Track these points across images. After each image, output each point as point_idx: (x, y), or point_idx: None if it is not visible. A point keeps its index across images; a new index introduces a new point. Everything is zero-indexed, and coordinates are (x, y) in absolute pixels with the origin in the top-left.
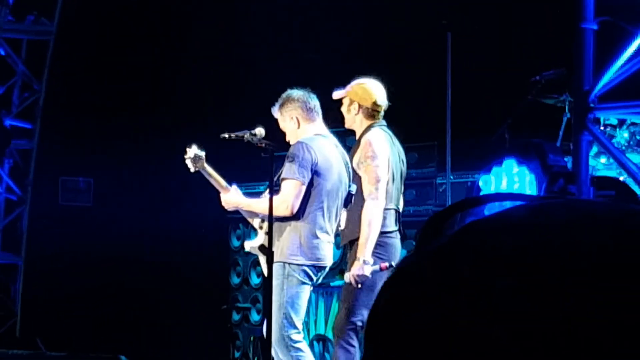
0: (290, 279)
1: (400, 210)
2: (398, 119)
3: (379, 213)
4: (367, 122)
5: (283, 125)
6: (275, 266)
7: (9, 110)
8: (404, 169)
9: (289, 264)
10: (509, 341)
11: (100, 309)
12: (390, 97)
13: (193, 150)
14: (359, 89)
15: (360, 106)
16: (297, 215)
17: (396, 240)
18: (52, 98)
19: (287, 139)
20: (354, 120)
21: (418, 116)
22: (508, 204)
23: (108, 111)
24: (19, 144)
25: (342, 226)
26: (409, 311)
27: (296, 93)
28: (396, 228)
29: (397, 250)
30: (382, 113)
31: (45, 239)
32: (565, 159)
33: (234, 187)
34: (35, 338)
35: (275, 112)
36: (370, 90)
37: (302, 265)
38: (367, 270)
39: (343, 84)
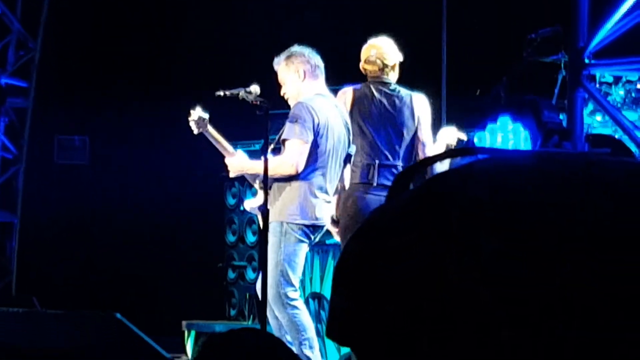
0: (288, 236)
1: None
2: None
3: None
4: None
5: (284, 77)
6: (272, 224)
7: (4, 68)
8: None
9: (287, 222)
10: (496, 305)
11: (96, 267)
12: None
13: (197, 112)
14: None
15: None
16: (296, 175)
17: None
18: (48, 56)
19: (282, 93)
20: None
21: (413, 74)
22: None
23: (104, 69)
24: (14, 102)
25: (347, 185)
26: (385, 263)
27: (305, 49)
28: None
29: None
30: (383, 70)
31: (41, 197)
32: (561, 117)
33: (239, 151)
34: (31, 296)
35: (279, 63)
36: (363, 49)
37: (300, 224)
38: None
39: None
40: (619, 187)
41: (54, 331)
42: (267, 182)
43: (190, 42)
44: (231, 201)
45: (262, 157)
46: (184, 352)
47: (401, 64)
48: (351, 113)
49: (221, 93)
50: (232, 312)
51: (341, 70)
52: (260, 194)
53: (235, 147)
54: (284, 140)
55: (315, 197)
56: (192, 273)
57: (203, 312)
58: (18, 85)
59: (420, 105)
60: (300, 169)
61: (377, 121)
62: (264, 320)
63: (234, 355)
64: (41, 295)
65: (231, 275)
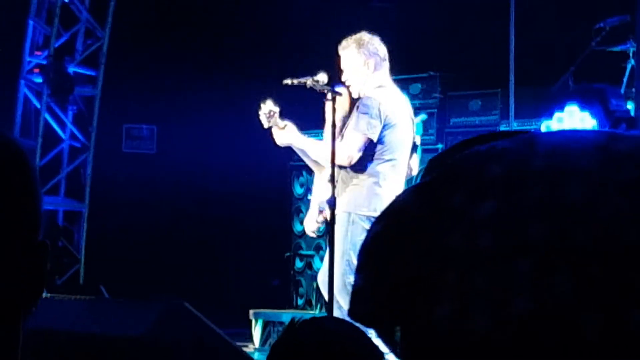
0: (355, 225)
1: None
2: (461, 66)
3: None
4: None
5: (352, 64)
6: (340, 215)
7: (72, 57)
8: None
9: (355, 213)
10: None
11: (163, 256)
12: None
13: (268, 106)
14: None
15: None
16: (364, 169)
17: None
18: (116, 45)
19: (344, 78)
20: None
21: (481, 64)
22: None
23: (172, 58)
24: (82, 90)
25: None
26: (402, 241)
27: (375, 38)
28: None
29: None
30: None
31: (108, 186)
32: (629, 105)
33: (288, 122)
34: (98, 284)
35: (347, 47)
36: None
37: (367, 215)
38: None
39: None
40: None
41: (121, 319)
42: (334, 171)
43: (258, 30)
44: (299, 190)
45: (330, 144)
46: (251, 341)
47: (470, 55)
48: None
49: (289, 81)
50: (300, 302)
51: (405, 62)
52: (328, 186)
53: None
54: (350, 130)
55: (382, 187)
56: (260, 262)
57: (270, 301)
58: (86, 74)
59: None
60: (354, 161)
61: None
62: (331, 309)
63: (316, 341)
64: (109, 284)
65: (299, 264)
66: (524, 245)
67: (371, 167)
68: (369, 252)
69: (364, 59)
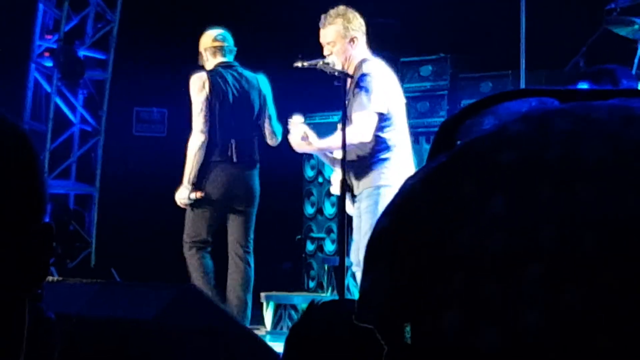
0: (386, 198)
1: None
2: (472, 48)
3: (193, 143)
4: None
5: (336, 39)
6: (368, 190)
7: (82, 40)
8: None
9: (384, 186)
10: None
11: (174, 239)
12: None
13: (300, 128)
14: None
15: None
16: (379, 142)
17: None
18: (126, 28)
19: (327, 53)
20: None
21: (492, 45)
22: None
23: (182, 40)
24: (93, 74)
25: None
26: (405, 234)
27: (357, 13)
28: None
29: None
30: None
31: (119, 169)
32: None
33: (306, 129)
34: (109, 268)
35: (332, 23)
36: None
37: (392, 186)
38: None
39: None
40: None
41: (132, 303)
42: (345, 155)
43: (268, 13)
44: (310, 173)
45: (339, 126)
46: (263, 324)
47: (481, 37)
48: (210, 96)
49: (299, 64)
50: (311, 284)
51: (416, 43)
52: (338, 170)
53: (313, 118)
54: (354, 112)
55: (397, 154)
56: (271, 245)
57: (281, 284)
58: (97, 58)
59: (264, 85)
60: (366, 139)
61: (233, 102)
62: (342, 291)
63: (336, 323)
64: (120, 267)
65: (310, 247)
66: (534, 250)
67: (384, 138)
68: (376, 250)
69: (350, 36)
